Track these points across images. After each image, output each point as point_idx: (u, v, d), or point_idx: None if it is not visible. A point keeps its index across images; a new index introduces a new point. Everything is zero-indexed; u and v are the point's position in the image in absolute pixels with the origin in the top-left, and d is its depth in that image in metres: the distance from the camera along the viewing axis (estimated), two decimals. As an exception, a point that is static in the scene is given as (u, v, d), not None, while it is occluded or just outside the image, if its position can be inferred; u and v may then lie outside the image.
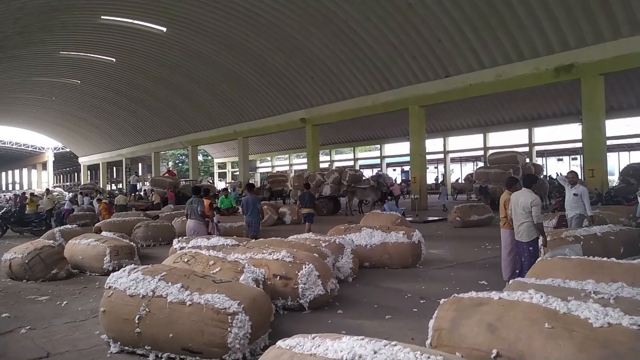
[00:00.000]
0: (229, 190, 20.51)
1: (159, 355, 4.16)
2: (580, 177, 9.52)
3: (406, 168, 34.48)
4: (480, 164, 28.25)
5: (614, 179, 21.85)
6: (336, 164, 39.68)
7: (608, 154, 17.31)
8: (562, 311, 3.12)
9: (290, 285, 5.51)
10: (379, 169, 36.24)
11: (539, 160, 28.96)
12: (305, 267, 5.56)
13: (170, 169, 42.10)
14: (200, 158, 49.47)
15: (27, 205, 18.16)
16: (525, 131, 28.29)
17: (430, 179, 29.83)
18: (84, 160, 56.57)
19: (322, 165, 32.86)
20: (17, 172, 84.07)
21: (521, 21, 15.95)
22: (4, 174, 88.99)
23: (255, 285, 4.89)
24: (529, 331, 3.08)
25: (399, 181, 26.49)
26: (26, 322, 5.44)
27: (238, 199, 17.54)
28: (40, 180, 71.19)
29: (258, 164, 51.95)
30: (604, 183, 15.48)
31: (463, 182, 29.51)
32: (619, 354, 2.77)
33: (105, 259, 8.15)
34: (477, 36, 17.50)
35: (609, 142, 18.35)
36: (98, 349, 4.51)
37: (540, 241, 6.23)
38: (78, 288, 7.25)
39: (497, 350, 3.12)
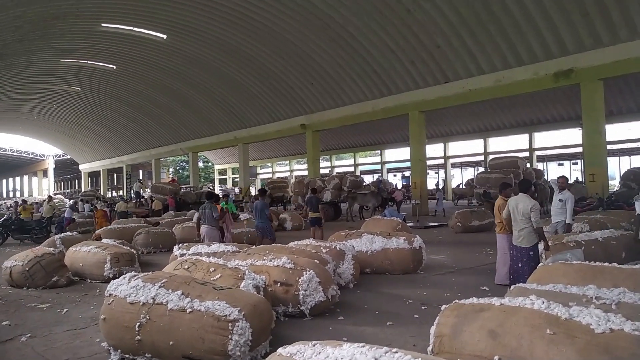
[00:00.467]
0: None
1: (160, 363, 4.14)
2: (581, 181, 9.49)
3: (407, 173, 34.46)
4: (481, 169, 28.26)
5: (614, 184, 21.82)
6: (337, 170, 39.73)
7: (609, 158, 17.31)
8: (563, 317, 3.11)
9: (291, 291, 5.50)
10: (380, 174, 36.25)
11: (540, 165, 28.92)
12: (306, 274, 5.54)
13: (174, 177, 42.12)
14: (200, 164, 49.48)
15: (21, 214, 18.22)
16: (526, 136, 28.30)
17: (431, 185, 29.79)
18: (84, 167, 56.65)
19: (322, 171, 32.91)
20: (17, 179, 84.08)
21: (520, 26, 16.00)
22: (4, 181, 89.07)
23: (255, 292, 4.88)
24: (531, 337, 3.07)
25: (399, 186, 26.47)
26: (26, 329, 5.43)
27: (239, 205, 17.59)
28: (41, 188, 71.24)
29: (258, 170, 52.00)
30: (605, 188, 15.47)
31: (464, 187, 29.48)
32: (621, 360, 2.75)
33: (105, 266, 8.14)
34: (476, 42, 17.55)
35: (609, 147, 18.37)
36: (98, 357, 4.50)
37: (541, 246, 6.22)
38: (78, 295, 7.24)
39: (499, 357, 3.11)
